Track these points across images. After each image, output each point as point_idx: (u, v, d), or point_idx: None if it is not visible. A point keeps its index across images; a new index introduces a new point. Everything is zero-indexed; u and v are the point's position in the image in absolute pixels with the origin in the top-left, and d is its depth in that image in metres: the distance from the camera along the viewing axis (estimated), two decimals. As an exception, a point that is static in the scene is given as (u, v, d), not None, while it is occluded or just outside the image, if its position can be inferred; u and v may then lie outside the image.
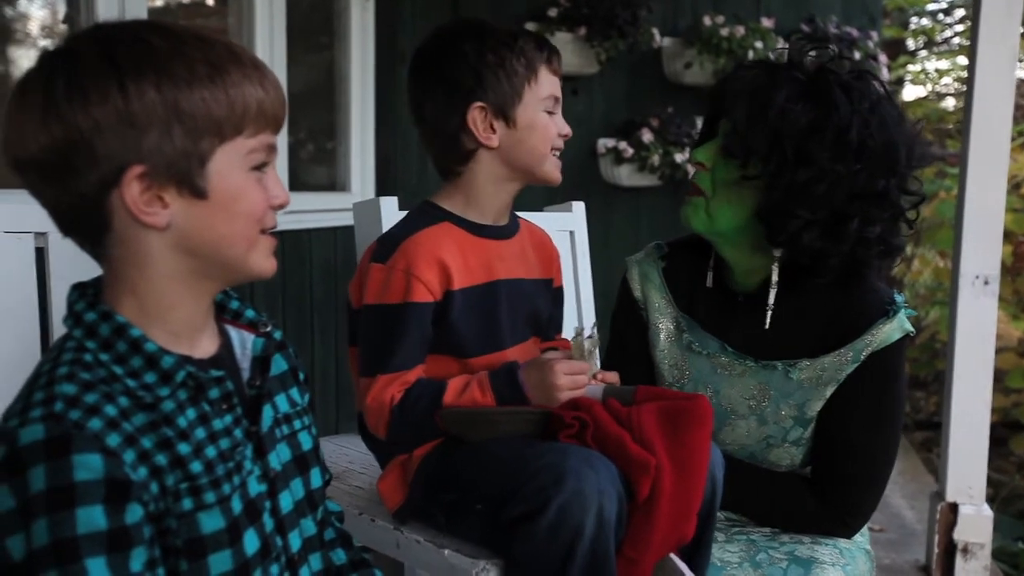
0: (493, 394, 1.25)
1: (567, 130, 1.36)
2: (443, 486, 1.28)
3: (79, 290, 0.92)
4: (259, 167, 0.90)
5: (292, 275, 2.94)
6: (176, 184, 0.85)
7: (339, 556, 1.13)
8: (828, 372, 1.39)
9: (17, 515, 0.77)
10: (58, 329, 1.34)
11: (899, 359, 1.40)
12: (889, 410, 1.40)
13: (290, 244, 2.90)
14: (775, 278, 1.39)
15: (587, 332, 1.29)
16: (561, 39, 3.58)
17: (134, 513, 0.80)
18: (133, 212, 0.84)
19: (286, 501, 0.99)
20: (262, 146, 0.90)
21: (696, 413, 1.21)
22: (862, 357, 1.37)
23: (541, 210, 1.99)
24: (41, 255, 1.35)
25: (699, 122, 2.16)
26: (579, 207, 2.01)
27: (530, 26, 3.61)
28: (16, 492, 0.77)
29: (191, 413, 0.89)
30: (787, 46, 1.40)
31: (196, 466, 0.87)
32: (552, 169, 1.35)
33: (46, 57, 0.85)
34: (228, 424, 0.92)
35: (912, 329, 1.40)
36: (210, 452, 0.89)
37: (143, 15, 2.20)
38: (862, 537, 1.48)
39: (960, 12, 7.02)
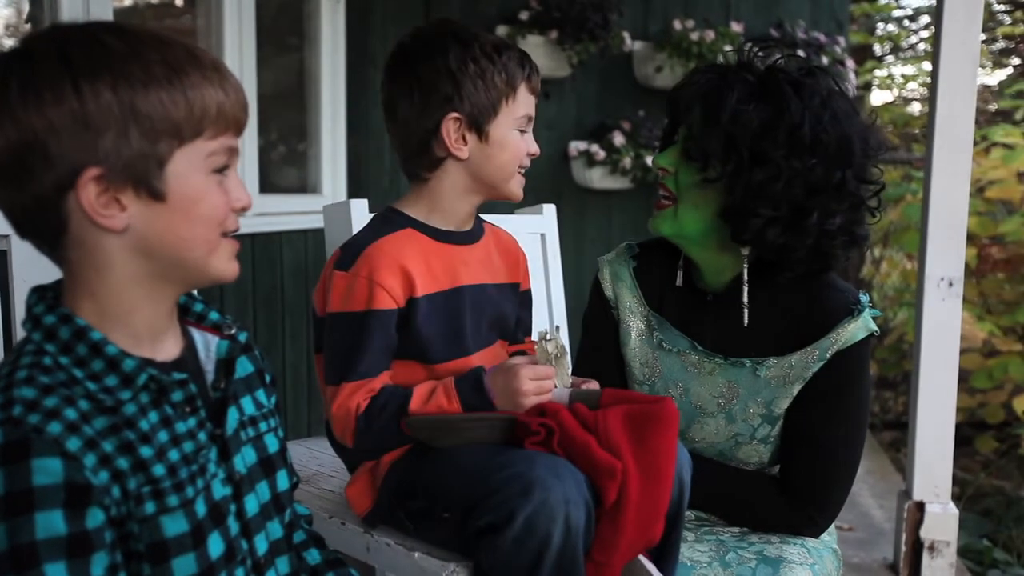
0: (459, 400, 1.25)
1: (535, 149, 1.36)
2: (410, 493, 1.27)
3: (38, 293, 0.90)
4: (220, 170, 0.89)
5: (263, 277, 2.92)
6: (133, 186, 0.84)
7: (313, 556, 1.13)
8: (795, 370, 1.41)
9: None
10: (22, 333, 1.32)
11: (864, 358, 1.42)
12: (854, 408, 1.42)
13: (261, 246, 2.88)
14: (745, 276, 1.40)
15: (549, 335, 1.29)
16: (532, 42, 3.59)
17: (95, 517, 0.79)
18: (89, 214, 0.83)
19: (251, 504, 0.98)
20: (222, 148, 0.88)
21: (662, 416, 1.21)
22: (828, 356, 1.39)
23: (512, 212, 2.00)
24: (3, 257, 1.33)
25: (669, 125, 2.18)
26: (550, 210, 2.02)
27: (501, 29, 3.62)
28: None
29: (153, 416, 0.88)
30: (744, 49, 1.42)
31: (158, 469, 0.85)
32: (516, 187, 1.36)
33: (0, 58, 0.84)
34: (192, 427, 0.91)
35: (876, 329, 1.42)
36: (173, 455, 0.88)
37: (108, 15, 2.18)
38: (829, 536, 1.50)
39: (925, 18, 7.14)
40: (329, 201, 3.05)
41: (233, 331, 1.00)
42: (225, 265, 0.92)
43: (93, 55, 0.82)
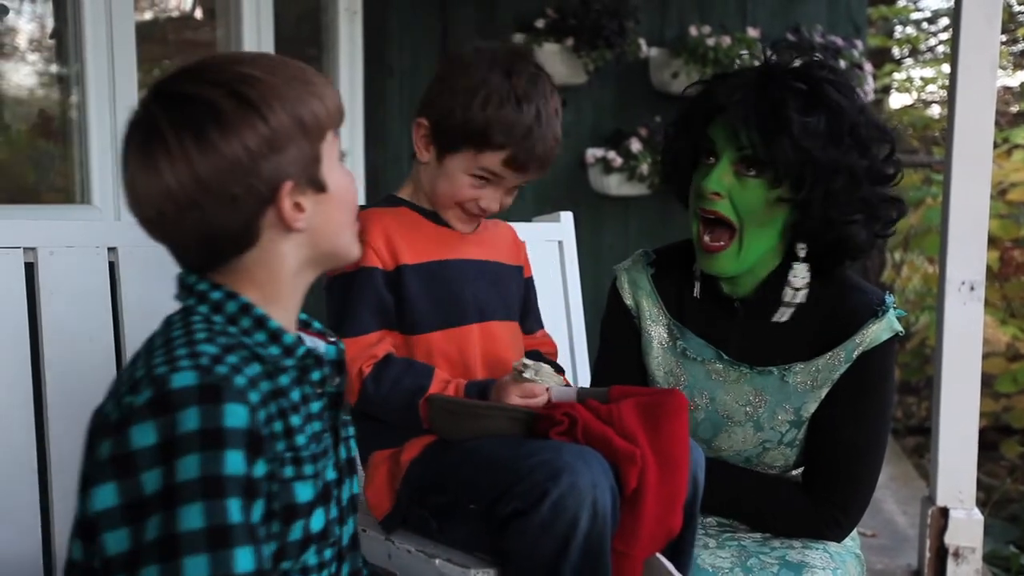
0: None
1: (488, 206, 1.36)
2: (434, 489, 1.29)
3: (187, 271, 0.98)
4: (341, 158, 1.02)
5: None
6: (310, 186, 0.96)
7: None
8: (822, 374, 1.40)
9: (159, 450, 0.82)
10: (49, 343, 1.34)
11: (888, 359, 1.41)
12: (879, 408, 1.41)
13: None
14: (800, 280, 1.40)
15: (521, 366, 1.28)
16: (548, 50, 3.60)
17: (261, 467, 0.86)
18: (287, 222, 0.94)
19: (345, 494, 1.06)
20: (337, 140, 1.01)
21: (672, 405, 1.23)
22: (853, 357, 1.38)
23: (529, 220, 2.01)
24: (30, 270, 1.36)
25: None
26: (567, 217, 2.02)
27: (518, 37, 3.63)
28: (161, 429, 0.82)
29: (297, 393, 0.97)
30: (769, 55, 1.40)
31: (301, 439, 0.95)
32: (453, 219, 1.39)
33: (166, 110, 0.91)
34: (317, 412, 1.00)
35: (901, 329, 1.41)
36: (308, 430, 0.97)
37: (130, 29, 2.23)
38: (852, 541, 1.49)
39: (944, 21, 7.08)
40: (348, 210, 3.07)
41: (335, 338, 1.09)
42: (357, 244, 1.04)
43: (258, 87, 0.92)
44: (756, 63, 1.42)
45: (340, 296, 1.34)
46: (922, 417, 4.69)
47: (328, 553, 1.00)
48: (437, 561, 1.27)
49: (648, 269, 1.52)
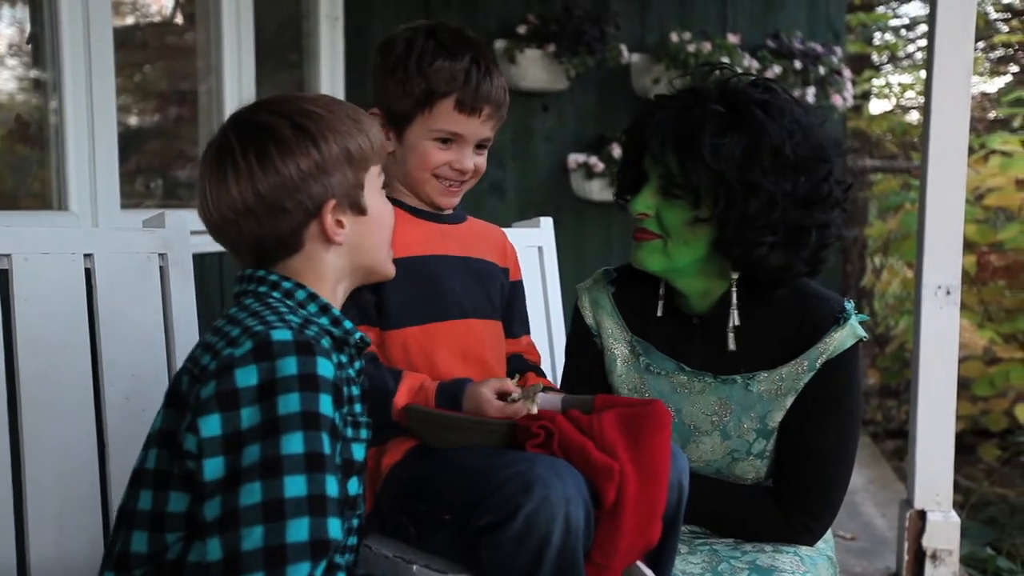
0: (435, 406, 1.29)
1: (461, 166, 1.36)
2: (412, 496, 1.28)
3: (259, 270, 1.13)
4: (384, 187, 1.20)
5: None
6: (351, 208, 1.12)
7: None
8: (786, 382, 1.41)
9: (258, 390, 0.95)
10: (24, 351, 1.33)
11: (853, 365, 1.42)
12: (846, 415, 1.42)
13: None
14: (735, 300, 1.40)
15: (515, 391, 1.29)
16: (530, 56, 3.62)
17: (337, 418, 1.01)
18: (328, 235, 1.11)
19: (356, 484, 1.14)
20: (380, 171, 1.18)
21: (655, 417, 1.23)
22: (817, 365, 1.39)
23: (509, 226, 2.01)
24: (4, 276, 1.35)
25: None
26: (547, 223, 2.03)
27: (499, 43, 3.64)
28: (262, 373, 0.96)
29: (352, 370, 1.12)
30: (695, 74, 1.42)
31: (357, 407, 1.11)
32: (434, 194, 1.39)
33: (238, 133, 1.09)
34: (356, 395, 1.12)
35: (864, 335, 1.42)
36: (358, 405, 1.12)
37: (108, 34, 2.23)
38: (825, 544, 1.50)
39: (922, 28, 7.16)
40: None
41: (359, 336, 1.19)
42: (391, 263, 1.21)
43: (316, 120, 1.09)
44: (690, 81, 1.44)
45: None
46: (901, 420, 4.73)
47: (355, 522, 1.14)
48: (415, 567, 1.26)
49: (609, 288, 1.54)
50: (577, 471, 1.18)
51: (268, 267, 1.12)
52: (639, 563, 1.25)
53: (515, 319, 1.52)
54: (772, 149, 1.31)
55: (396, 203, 1.37)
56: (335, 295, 1.16)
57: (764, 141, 1.30)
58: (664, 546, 1.29)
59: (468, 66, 1.33)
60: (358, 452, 1.10)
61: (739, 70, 1.45)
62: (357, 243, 1.14)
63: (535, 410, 1.28)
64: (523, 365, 1.50)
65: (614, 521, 1.19)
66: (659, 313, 1.48)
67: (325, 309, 1.11)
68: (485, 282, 1.44)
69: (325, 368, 0.99)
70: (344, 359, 1.10)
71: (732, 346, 1.42)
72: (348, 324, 1.12)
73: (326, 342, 1.03)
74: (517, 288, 1.53)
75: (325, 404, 0.97)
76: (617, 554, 1.20)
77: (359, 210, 1.13)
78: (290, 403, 0.95)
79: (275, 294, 1.10)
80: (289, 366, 0.96)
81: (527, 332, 1.56)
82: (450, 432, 1.26)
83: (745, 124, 1.31)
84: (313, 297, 1.11)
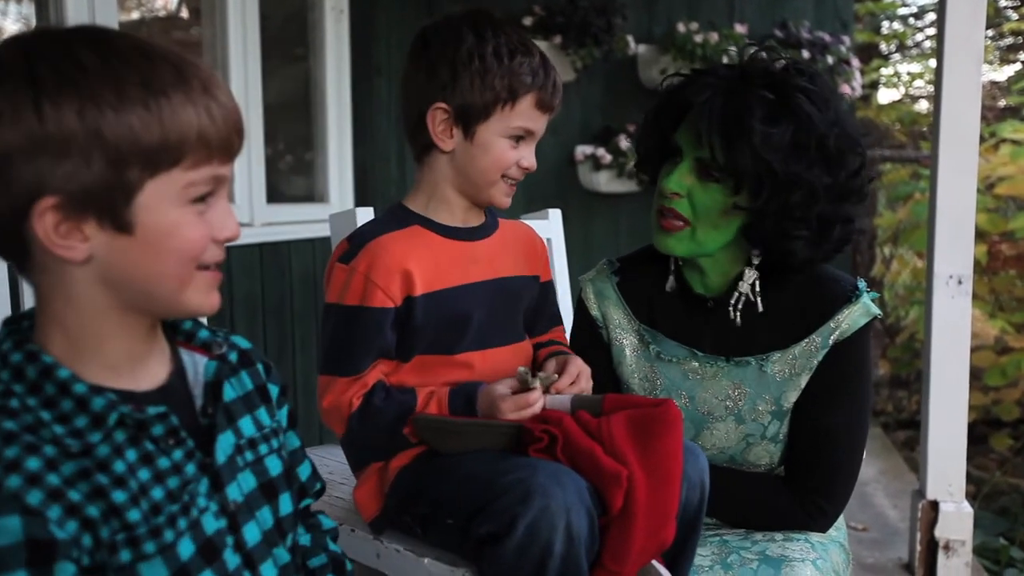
0: (448, 412, 1.26)
1: (530, 163, 1.31)
2: (416, 499, 1.28)
3: (8, 326, 0.85)
4: (202, 198, 0.82)
5: (271, 287, 2.93)
6: (96, 217, 0.77)
7: None
8: (800, 361, 1.40)
9: None
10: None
11: (866, 343, 1.41)
12: (859, 394, 1.41)
13: (269, 256, 2.90)
14: (756, 285, 1.40)
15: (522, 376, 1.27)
16: (536, 48, 3.59)
17: (64, 571, 0.74)
18: (45, 244, 0.77)
19: (252, 533, 0.91)
20: (204, 178, 0.81)
21: (666, 419, 1.20)
22: (830, 342, 1.39)
23: (518, 218, 2.00)
24: (14, 275, 1.34)
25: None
26: (555, 214, 2.02)
27: (506, 35, 3.63)
28: None
29: (131, 455, 0.81)
30: (745, 56, 1.39)
31: (134, 514, 0.79)
32: (499, 195, 1.32)
33: None
34: (178, 460, 0.85)
35: (878, 312, 1.41)
36: (156, 494, 0.82)
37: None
38: (837, 531, 1.48)
39: (931, 16, 7.11)
40: (336, 210, 3.06)
41: (224, 350, 0.93)
42: (201, 299, 0.85)
43: (62, 72, 0.74)
44: (737, 59, 1.41)
45: (339, 329, 1.28)
46: (912, 411, 4.71)
47: None
48: (426, 560, 1.26)
49: (613, 278, 1.52)
50: (580, 477, 1.17)
51: (22, 273, 0.83)
52: (654, 562, 1.24)
53: (541, 319, 1.48)
54: (818, 141, 1.29)
55: (425, 223, 1.31)
56: (110, 335, 0.83)
57: (812, 132, 1.29)
58: (684, 546, 1.28)
59: (540, 60, 1.29)
60: (150, 573, 0.80)
61: (784, 54, 1.42)
62: (121, 269, 0.80)
63: (546, 400, 1.26)
64: (538, 345, 1.46)
65: (624, 526, 1.18)
66: (668, 288, 1.46)
67: (64, 388, 0.79)
68: (512, 303, 1.39)
69: (5, 533, 0.71)
70: (105, 451, 0.80)
71: (738, 321, 1.41)
72: (98, 404, 0.80)
73: (35, 461, 0.75)
74: (546, 288, 1.47)
75: None
76: (628, 559, 1.18)
77: (118, 224, 0.78)
78: None
79: (3, 375, 0.80)
80: None
81: (558, 324, 1.51)
82: (456, 437, 1.24)
83: (792, 114, 1.29)
84: (47, 373, 0.79)
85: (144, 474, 0.82)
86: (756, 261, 1.39)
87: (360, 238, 1.29)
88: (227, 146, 0.82)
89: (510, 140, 1.29)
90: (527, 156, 1.31)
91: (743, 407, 1.43)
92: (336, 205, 3.30)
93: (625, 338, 1.49)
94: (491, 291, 1.35)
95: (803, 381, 1.41)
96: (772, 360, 1.41)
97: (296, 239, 3.01)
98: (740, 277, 1.41)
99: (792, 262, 1.36)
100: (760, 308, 1.41)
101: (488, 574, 1.16)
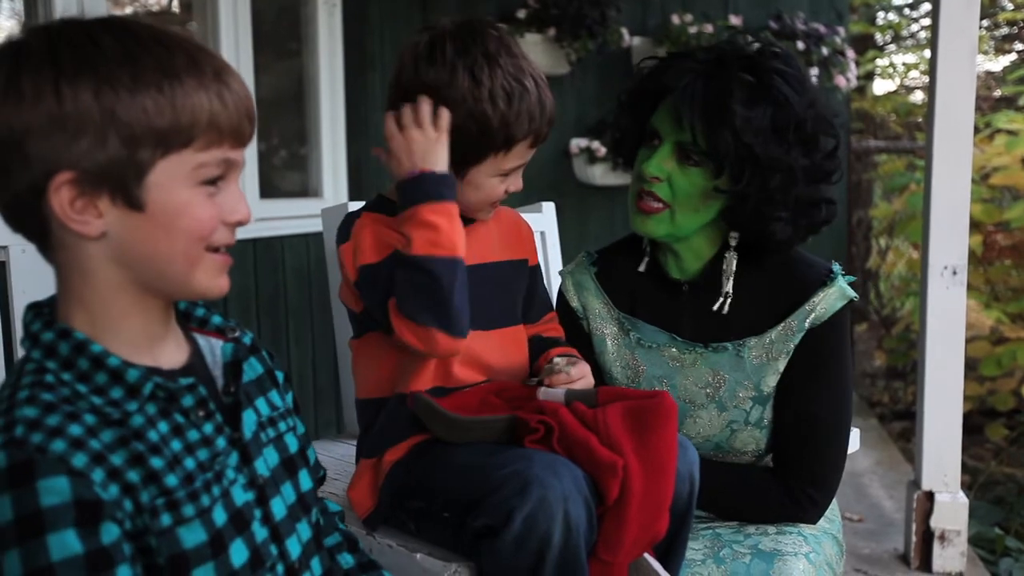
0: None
1: (516, 187, 1.30)
2: (411, 493, 1.27)
3: (34, 310, 0.89)
4: (212, 181, 0.86)
5: (265, 282, 2.93)
6: (110, 193, 0.81)
7: (346, 560, 1.12)
8: (776, 345, 1.40)
9: None
10: (21, 346, 1.32)
11: (844, 326, 1.41)
12: (839, 378, 1.41)
13: (262, 251, 2.89)
14: (733, 267, 1.41)
15: (560, 365, 1.27)
16: (530, 40, 3.59)
17: (110, 532, 0.77)
18: (61, 218, 0.81)
19: (278, 507, 0.95)
20: (215, 161, 0.85)
21: (661, 410, 1.20)
22: (806, 326, 1.39)
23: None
24: (2, 268, 1.34)
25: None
26: (549, 207, 2.02)
27: (499, 28, 3.61)
28: None
29: (163, 426, 0.85)
30: (723, 39, 1.41)
31: (171, 480, 0.83)
32: (484, 215, 1.33)
33: (0, 47, 0.82)
34: (208, 433, 0.89)
35: (854, 295, 1.41)
36: (188, 463, 0.86)
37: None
38: (829, 523, 1.48)
39: (926, 6, 7.10)
40: (331, 204, 3.05)
41: (237, 334, 0.98)
42: (210, 281, 0.88)
43: (82, 55, 0.79)
44: (715, 42, 1.42)
45: (378, 281, 1.23)
46: (907, 402, 4.72)
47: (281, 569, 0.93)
48: (418, 556, 1.26)
49: (592, 269, 1.53)
50: (576, 467, 1.16)
51: (42, 252, 0.87)
52: (647, 555, 1.24)
53: (535, 304, 1.46)
54: (796, 123, 1.30)
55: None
56: (127, 313, 0.87)
57: (790, 115, 1.30)
58: (675, 539, 1.28)
59: (536, 94, 1.23)
60: (189, 537, 0.83)
61: (759, 39, 1.43)
62: (132, 246, 0.84)
63: (540, 392, 1.26)
64: (543, 343, 1.45)
65: (619, 517, 1.18)
66: (641, 269, 1.47)
67: (98, 362, 0.83)
68: (503, 287, 1.38)
69: (53, 493, 0.74)
70: (139, 420, 0.83)
71: (724, 309, 1.41)
72: (133, 375, 0.84)
73: (77, 427, 0.78)
74: (535, 272, 1.47)
75: (60, 547, 0.73)
76: (622, 549, 1.19)
77: (129, 201, 0.82)
78: (12, 566, 0.73)
79: (35, 355, 0.84)
80: (3, 511, 0.73)
81: (550, 310, 1.49)
82: (449, 427, 1.24)
83: (771, 97, 1.30)
84: (80, 348, 0.83)
85: (176, 444, 0.86)
86: (734, 243, 1.40)
87: (348, 219, 1.28)
88: (238, 131, 0.86)
89: (500, 177, 1.28)
90: (516, 181, 1.31)
91: (723, 394, 1.43)
92: (330, 200, 3.29)
93: (606, 327, 1.49)
94: (478, 276, 1.33)
95: (781, 365, 1.41)
96: (749, 346, 1.41)
97: (290, 234, 3.00)
98: (715, 260, 1.42)
99: (770, 243, 1.37)
100: (730, 292, 1.41)
101: (487, 568, 1.16)
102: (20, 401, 0.79)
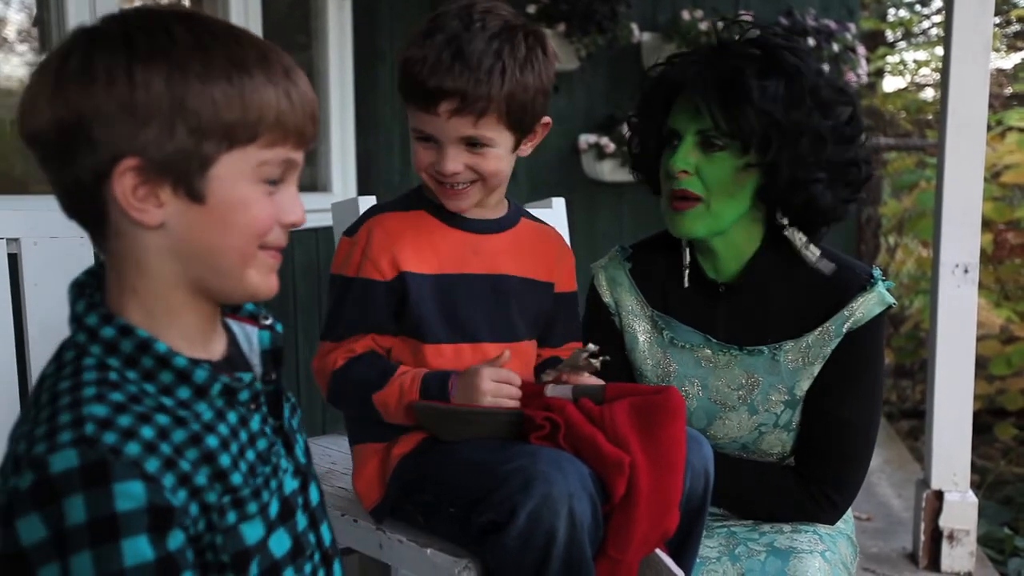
0: (420, 388, 1.26)
1: (442, 167, 1.25)
2: (419, 487, 1.28)
3: (77, 290, 0.86)
4: (272, 181, 0.85)
5: (274, 277, 2.92)
6: (172, 183, 0.81)
7: None
8: (813, 350, 1.39)
9: (51, 547, 0.72)
10: (34, 336, 1.32)
11: (880, 332, 1.41)
12: (871, 384, 1.41)
13: (271, 246, 2.89)
14: (801, 238, 1.39)
15: (590, 350, 1.26)
16: (540, 35, 3.57)
17: (176, 539, 0.76)
18: (122, 205, 0.80)
19: (315, 494, 0.97)
20: (277, 160, 0.84)
21: (668, 406, 1.20)
22: (843, 331, 1.38)
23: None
24: (14, 261, 1.34)
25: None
26: (559, 203, 2.01)
27: (509, 23, 3.60)
28: (49, 522, 0.72)
29: (232, 417, 0.86)
30: (719, 29, 1.42)
31: (236, 478, 0.83)
32: (438, 194, 1.31)
33: (76, 32, 0.81)
34: (260, 423, 0.90)
35: (893, 301, 1.40)
36: (250, 456, 0.86)
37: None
38: (845, 524, 1.48)
39: (937, 3, 7.07)
40: (340, 199, 3.05)
41: (269, 321, 0.98)
42: (262, 279, 0.88)
43: (156, 42, 0.78)
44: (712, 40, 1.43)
45: (334, 296, 1.33)
46: (916, 400, 4.70)
47: (308, 567, 0.93)
48: (428, 551, 1.26)
49: (626, 264, 1.52)
50: (582, 464, 1.16)
51: (95, 240, 0.86)
52: (658, 551, 1.24)
53: (556, 329, 1.43)
54: (811, 88, 1.32)
55: (432, 209, 1.32)
56: (180, 308, 0.86)
57: (802, 81, 1.31)
58: (688, 535, 1.28)
59: (427, 53, 1.19)
60: (251, 533, 0.84)
61: (756, 25, 1.44)
62: (187, 236, 0.82)
63: (547, 389, 1.26)
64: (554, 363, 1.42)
65: (626, 514, 1.18)
66: (685, 284, 1.46)
67: (163, 362, 0.82)
68: (515, 301, 1.35)
69: (129, 497, 0.73)
70: (209, 416, 0.84)
71: (827, 271, 1.40)
72: (201, 376, 0.83)
73: (149, 429, 0.77)
74: (564, 300, 1.43)
75: (133, 553, 0.73)
76: (631, 546, 1.18)
77: (191, 193, 0.81)
78: (82, 568, 0.71)
79: (94, 350, 0.82)
80: (75, 512, 0.71)
81: (573, 340, 1.46)
82: (456, 424, 1.24)
83: (781, 67, 1.32)
84: (144, 347, 0.82)
85: (243, 436, 0.87)
86: (785, 221, 1.39)
87: (367, 213, 1.35)
88: (301, 131, 0.86)
89: (419, 141, 1.28)
90: (439, 159, 1.27)
91: (756, 397, 1.42)
92: (339, 194, 3.29)
93: (638, 324, 1.48)
94: (485, 285, 1.34)
95: (816, 369, 1.40)
96: (785, 349, 1.40)
97: (299, 229, 3.00)
98: (754, 261, 1.41)
99: (817, 211, 1.36)
100: (814, 256, 1.39)
101: (492, 563, 1.16)
102: (88, 398, 0.77)
